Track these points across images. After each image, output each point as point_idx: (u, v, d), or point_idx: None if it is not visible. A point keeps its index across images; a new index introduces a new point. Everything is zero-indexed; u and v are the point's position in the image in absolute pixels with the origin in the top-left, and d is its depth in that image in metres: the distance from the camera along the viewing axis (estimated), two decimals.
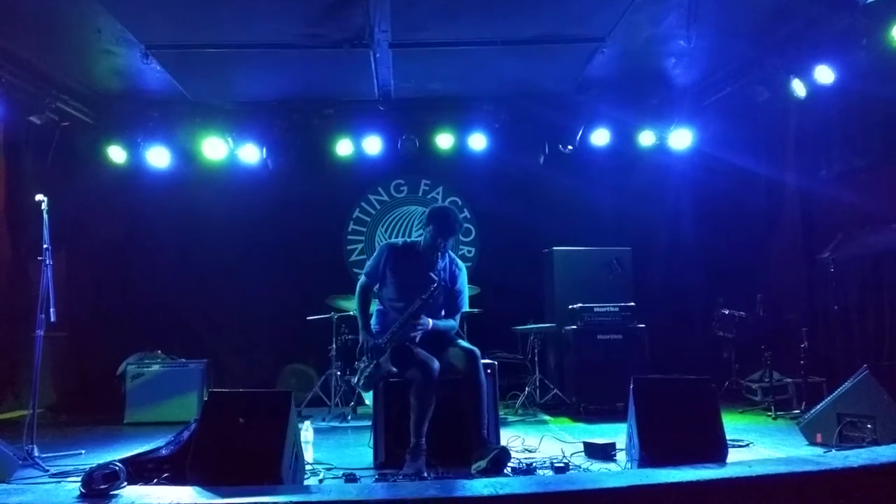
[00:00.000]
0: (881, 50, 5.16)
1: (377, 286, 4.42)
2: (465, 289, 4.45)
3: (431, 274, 4.14)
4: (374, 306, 4.52)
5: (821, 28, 5.58)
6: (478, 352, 4.07)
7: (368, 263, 4.44)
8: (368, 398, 4.28)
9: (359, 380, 4.19)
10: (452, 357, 4.07)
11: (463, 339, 4.34)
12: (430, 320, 4.17)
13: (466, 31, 5.61)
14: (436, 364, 3.93)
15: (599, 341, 6.06)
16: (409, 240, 4.54)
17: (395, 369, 3.96)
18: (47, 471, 4.00)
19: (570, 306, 6.26)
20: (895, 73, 5.30)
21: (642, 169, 7.81)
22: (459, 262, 4.46)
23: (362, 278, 4.44)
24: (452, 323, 4.39)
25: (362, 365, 4.19)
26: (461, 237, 8.17)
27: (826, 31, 5.56)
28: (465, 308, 4.51)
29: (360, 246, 8.05)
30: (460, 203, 8.21)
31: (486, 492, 2.63)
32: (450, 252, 4.38)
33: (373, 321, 4.39)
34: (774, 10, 5.43)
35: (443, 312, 4.35)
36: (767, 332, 6.19)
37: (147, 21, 5.31)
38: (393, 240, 4.54)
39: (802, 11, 5.42)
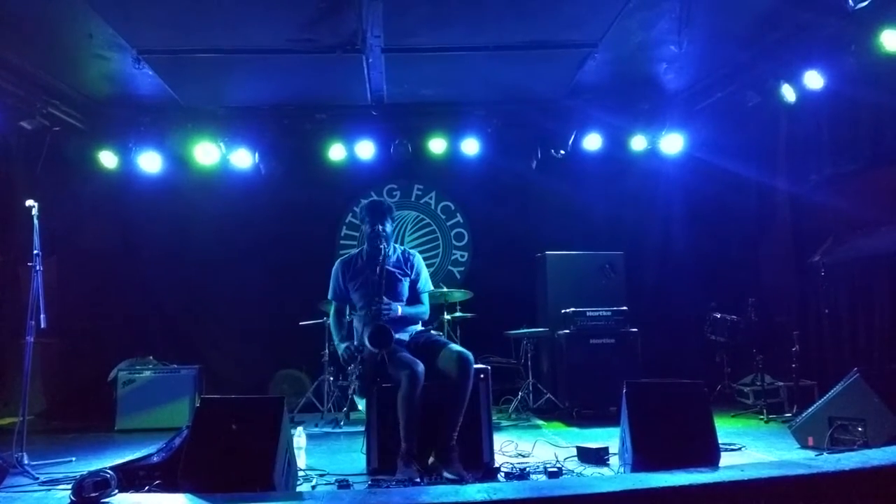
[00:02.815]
0: (869, 55, 5.20)
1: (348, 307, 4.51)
2: (424, 270, 4.48)
3: (379, 245, 4.21)
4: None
5: (810, 34, 5.62)
6: (471, 357, 4.01)
7: (331, 288, 4.48)
8: (362, 404, 4.27)
9: (353, 388, 4.19)
10: (444, 361, 4.02)
11: (455, 341, 4.30)
12: (399, 306, 4.20)
13: (459, 37, 5.62)
14: (420, 367, 3.90)
15: (592, 345, 6.07)
16: (353, 251, 4.61)
17: (376, 350, 3.92)
18: (37, 478, 3.96)
19: (563, 310, 6.28)
20: (883, 78, 5.34)
21: (634, 173, 7.84)
22: (411, 250, 4.55)
23: (332, 305, 4.50)
24: (423, 308, 4.43)
25: (352, 374, 4.18)
26: (454, 241, 8.18)
27: (815, 36, 5.60)
28: (430, 288, 4.55)
29: (353, 251, 8.03)
30: (453, 208, 8.22)
31: (479, 497, 2.63)
32: (397, 245, 4.50)
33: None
34: (764, 16, 5.47)
35: (412, 303, 4.39)
36: (759, 335, 6.22)
37: (139, 26, 5.30)
38: (342, 257, 4.60)
39: (792, 17, 5.46)
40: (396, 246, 4.48)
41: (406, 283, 4.37)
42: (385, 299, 4.10)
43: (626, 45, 5.89)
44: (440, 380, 3.98)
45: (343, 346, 4.26)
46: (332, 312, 4.52)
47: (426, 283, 4.49)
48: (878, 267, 5.74)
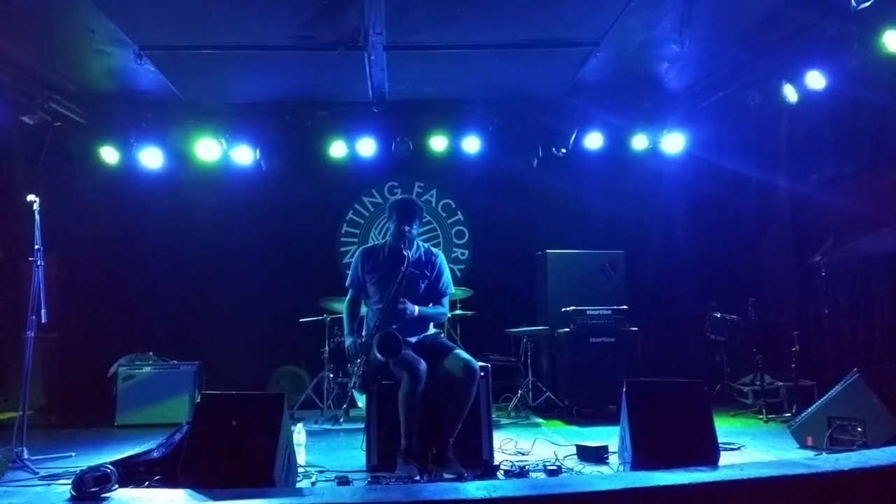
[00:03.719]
0: (871, 55, 5.20)
1: (363, 296, 4.46)
2: (446, 271, 4.42)
3: (404, 249, 4.14)
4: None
5: (812, 34, 5.61)
6: (477, 368, 3.98)
7: (349, 275, 4.45)
8: (361, 401, 4.27)
9: (354, 382, 4.19)
10: (449, 366, 4.00)
11: (459, 347, 4.28)
12: (416, 307, 4.14)
13: (461, 35, 5.61)
14: (422, 366, 3.89)
15: (592, 344, 6.07)
16: (379, 241, 4.56)
17: (383, 358, 3.91)
18: (37, 473, 3.97)
19: (563, 309, 6.28)
20: (885, 79, 5.34)
21: (635, 172, 7.84)
22: (434, 249, 4.48)
23: (349, 292, 4.48)
24: (442, 309, 4.38)
25: (355, 368, 4.18)
26: (455, 239, 8.18)
27: (817, 36, 5.59)
28: (452, 291, 4.48)
29: (353, 248, 8.03)
30: (454, 206, 8.22)
31: (479, 495, 2.63)
32: (422, 242, 4.44)
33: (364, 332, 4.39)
34: (766, 16, 5.46)
35: (430, 304, 4.34)
36: (759, 335, 6.22)
37: (141, 22, 5.30)
38: (366, 245, 4.56)
39: (794, 17, 5.46)
40: (420, 244, 4.41)
41: (425, 284, 4.31)
42: (403, 300, 4.07)
43: (627, 44, 5.88)
44: (444, 383, 3.98)
45: (350, 339, 4.27)
46: (346, 300, 4.48)
47: (447, 285, 4.40)
48: (879, 267, 5.74)
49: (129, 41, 5.56)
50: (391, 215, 4.30)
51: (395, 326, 4.02)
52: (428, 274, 4.32)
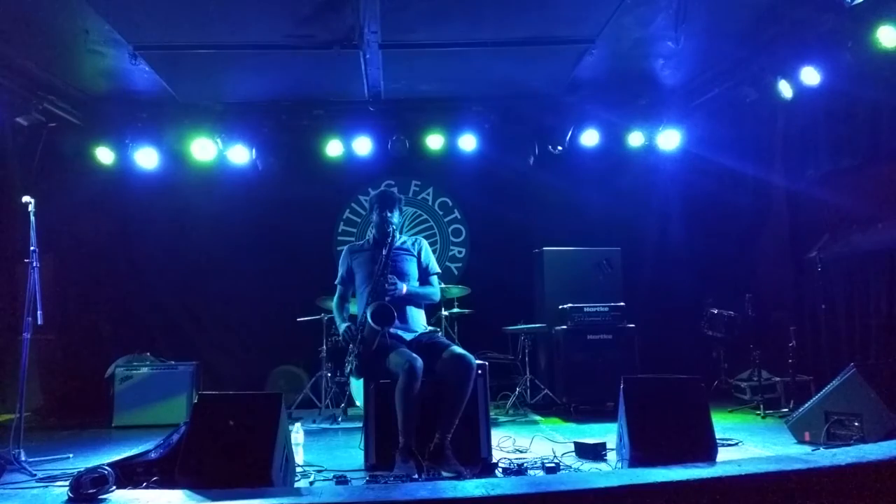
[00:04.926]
0: (866, 51, 5.21)
1: (351, 292, 4.57)
2: (432, 254, 4.56)
3: (387, 230, 4.30)
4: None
5: (807, 30, 5.62)
6: (473, 362, 3.98)
7: (338, 273, 4.56)
8: (359, 398, 4.28)
9: (350, 368, 4.21)
10: (445, 362, 4.00)
11: (456, 343, 4.30)
12: (404, 285, 4.22)
13: (456, 33, 5.61)
14: (419, 362, 3.90)
15: (589, 341, 6.09)
16: (361, 240, 4.68)
17: (378, 327, 3.97)
18: (34, 475, 3.95)
19: (561, 306, 6.29)
20: (880, 74, 5.35)
21: (631, 169, 7.85)
22: (415, 236, 4.61)
23: (337, 290, 4.58)
24: (432, 288, 4.47)
25: (350, 357, 4.20)
26: (451, 237, 8.18)
27: (812, 32, 5.60)
28: (438, 270, 4.58)
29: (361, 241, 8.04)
30: (450, 204, 8.21)
31: (477, 492, 2.63)
32: (403, 234, 4.55)
33: None
34: (761, 12, 5.47)
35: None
36: (756, 331, 6.24)
37: (135, 21, 5.28)
38: (350, 244, 4.68)
39: (789, 13, 5.46)
40: (404, 235, 4.54)
41: (414, 263, 4.41)
42: (391, 277, 4.16)
43: (623, 41, 5.88)
44: (440, 379, 3.98)
45: (344, 325, 4.34)
46: (335, 297, 4.58)
47: (434, 265, 4.53)
48: (875, 263, 5.75)
49: (123, 41, 5.54)
50: (373, 206, 4.45)
51: (387, 298, 4.10)
52: (414, 253, 4.43)
